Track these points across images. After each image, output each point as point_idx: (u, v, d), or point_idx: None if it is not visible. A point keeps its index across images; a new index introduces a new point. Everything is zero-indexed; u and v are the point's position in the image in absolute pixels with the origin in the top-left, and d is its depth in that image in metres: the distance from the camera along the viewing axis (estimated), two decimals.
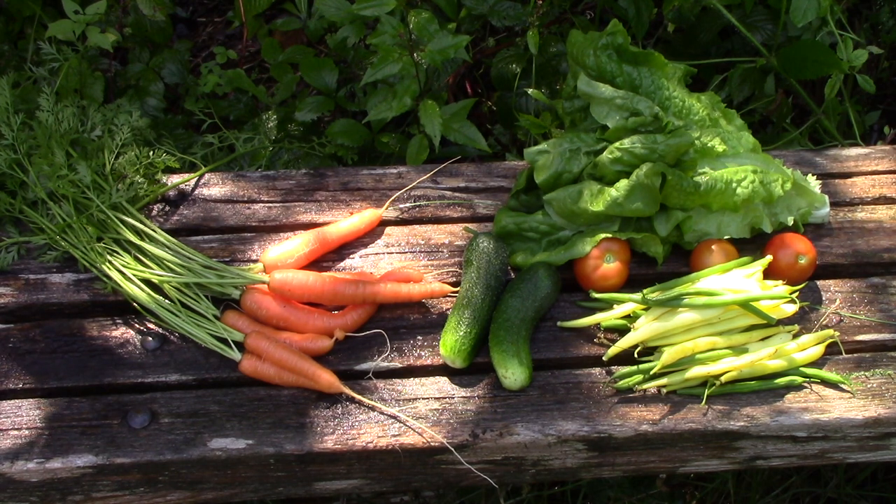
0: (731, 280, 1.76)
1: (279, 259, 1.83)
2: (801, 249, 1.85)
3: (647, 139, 1.84)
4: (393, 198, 2.03)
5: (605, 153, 1.87)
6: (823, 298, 1.88)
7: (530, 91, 2.18)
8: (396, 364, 1.77)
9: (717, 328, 1.74)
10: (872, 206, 2.07)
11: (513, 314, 1.75)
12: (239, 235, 1.97)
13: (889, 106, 2.99)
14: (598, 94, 1.90)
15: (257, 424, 1.66)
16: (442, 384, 1.73)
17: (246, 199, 2.04)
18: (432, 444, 1.64)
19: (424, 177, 2.08)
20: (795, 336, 1.78)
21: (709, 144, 1.90)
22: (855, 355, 1.79)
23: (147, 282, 1.80)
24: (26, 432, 1.65)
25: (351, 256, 1.95)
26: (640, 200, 1.82)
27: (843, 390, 1.73)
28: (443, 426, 1.66)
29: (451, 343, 1.72)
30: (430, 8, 2.47)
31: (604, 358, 1.74)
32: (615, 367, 1.75)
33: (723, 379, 1.69)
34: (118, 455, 1.62)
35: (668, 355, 1.69)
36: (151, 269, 1.81)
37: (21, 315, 1.84)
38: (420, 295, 1.81)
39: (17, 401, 1.69)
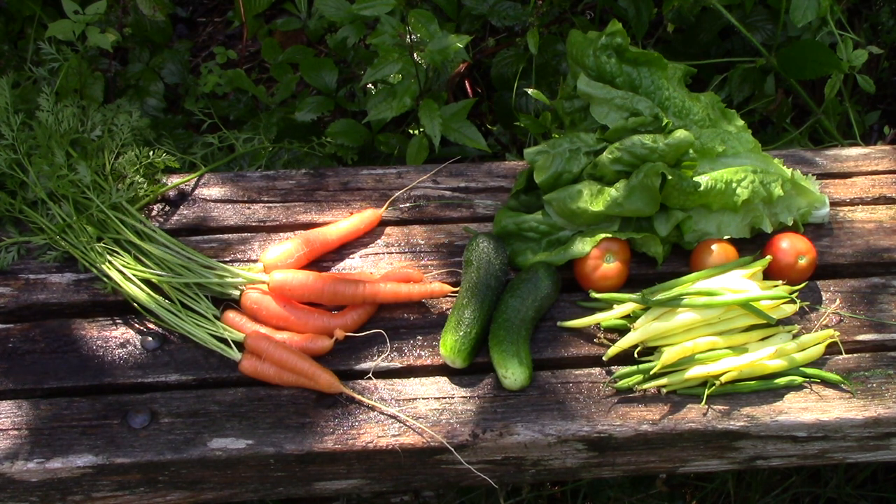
0: (730, 280, 1.76)
1: (279, 259, 1.83)
2: (801, 249, 1.85)
3: (646, 139, 1.84)
4: (393, 198, 2.03)
5: (605, 153, 1.87)
6: (823, 298, 1.88)
7: (530, 91, 2.18)
8: (396, 364, 1.77)
9: (717, 328, 1.74)
10: (872, 206, 2.07)
11: (513, 314, 1.75)
12: (239, 235, 1.97)
13: (889, 106, 2.99)
14: (597, 94, 1.90)
15: (257, 424, 1.66)
16: (442, 384, 1.73)
17: (246, 199, 2.04)
18: (432, 444, 1.64)
19: (424, 177, 2.08)
20: (795, 336, 1.78)
21: (708, 144, 1.90)
22: (855, 355, 1.79)
23: (147, 282, 1.80)
24: (26, 432, 1.64)
25: (351, 256, 1.95)
26: (640, 201, 1.82)
27: (843, 390, 1.73)
28: (443, 426, 1.66)
29: (451, 343, 1.72)
30: (430, 8, 2.47)
31: (604, 358, 1.74)
32: (615, 367, 1.75)
33: (723, 379, 1.69)
34: (118, 455, 1.62)
35: (667, 355, 1.69)
36: (151, 269, 1.81)
37: (21, 315, 1.84)
38: (420, 295, 1.81)
39: (17, 401, 1.69)
